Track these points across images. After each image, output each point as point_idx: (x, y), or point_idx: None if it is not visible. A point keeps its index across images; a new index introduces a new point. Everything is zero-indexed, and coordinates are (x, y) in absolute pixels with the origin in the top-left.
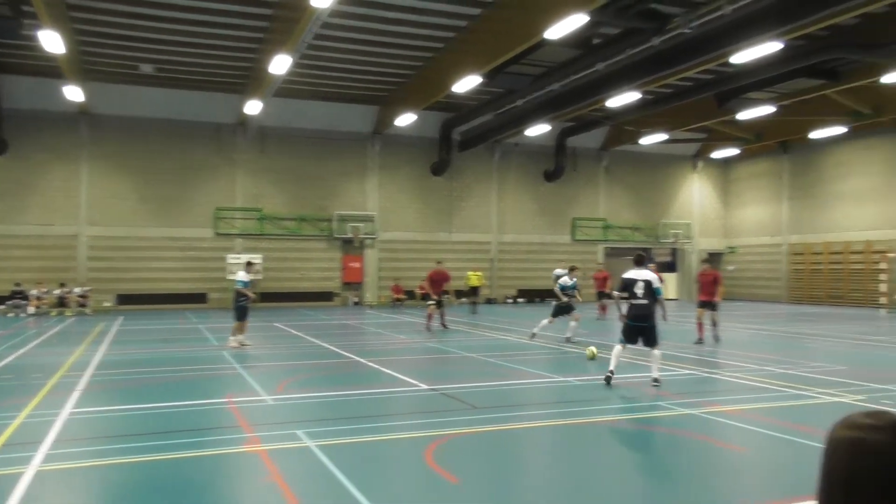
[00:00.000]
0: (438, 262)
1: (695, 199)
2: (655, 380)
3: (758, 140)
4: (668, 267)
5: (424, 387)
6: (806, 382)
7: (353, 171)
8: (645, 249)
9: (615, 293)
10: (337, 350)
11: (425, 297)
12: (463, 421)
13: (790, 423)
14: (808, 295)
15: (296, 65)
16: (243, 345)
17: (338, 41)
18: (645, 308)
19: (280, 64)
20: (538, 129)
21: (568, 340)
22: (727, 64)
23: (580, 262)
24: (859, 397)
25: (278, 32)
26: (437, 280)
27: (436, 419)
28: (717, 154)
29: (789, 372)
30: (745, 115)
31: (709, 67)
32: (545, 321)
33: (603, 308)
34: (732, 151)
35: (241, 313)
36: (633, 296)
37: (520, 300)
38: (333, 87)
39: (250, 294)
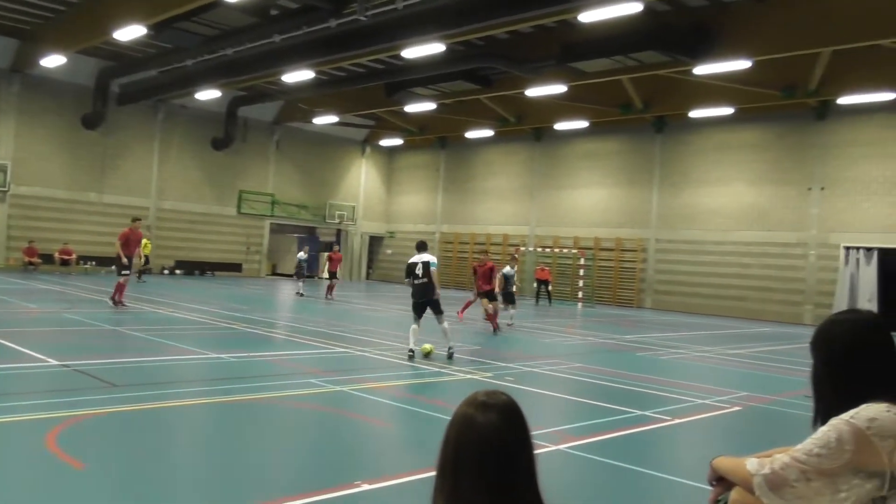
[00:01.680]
0: (135, 220)
1: (361, 182)
2: (450, 349)
3: (420, 133)
4: (332, 247)
5: (54, 362)
6: (445, 361)
7: None
8: (314, 237)
9: (406, 279)
10: None
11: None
12: (97, 400)
13: (427, 398)
14: (454, 280)
15: None
16: None
17: None
18: (426, 286)
19: None
20: (208, 94)
21: (508, 325)
22: (398, 57)
23: (245, 237)
24: (488, 374)
25: None
26: (133, 242)
27: (64, 399)
28: (384, 142)
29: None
30: (410, 108)
31: (380, 57)
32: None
33: (330, 288)
34: (397, 141)
35: None
36: (416, 276)
37: (178, 272)
38: None
39: None
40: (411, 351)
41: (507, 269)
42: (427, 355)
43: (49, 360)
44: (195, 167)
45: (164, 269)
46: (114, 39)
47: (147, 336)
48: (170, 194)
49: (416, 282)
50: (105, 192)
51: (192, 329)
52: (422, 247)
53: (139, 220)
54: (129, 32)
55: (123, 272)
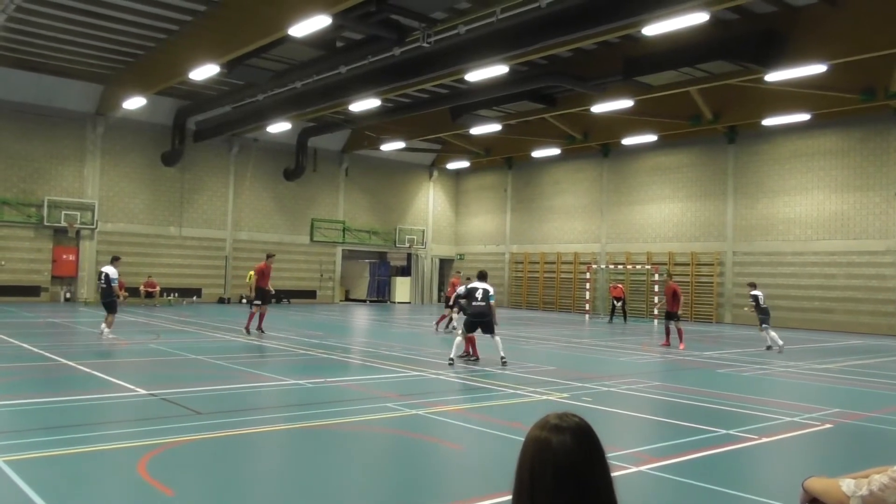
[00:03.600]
0: (269, 256)
1: (429, 206)
2: (503, 358)
3: (486, 154)
4: (403, 271)
5: (142, 392)
6: (520, 382)
7: (69, 153)
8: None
9: (461, 301)
10: (39, 351)
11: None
12: (184, 428)
13: (503, 420)
14: (525, 300)
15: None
16: None
17: (51, 6)
18: (484, 309)
19: None
20: (279, 127)
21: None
22: (461, 80)
23: (318, 264)
24: (564, 395)
25: None
26: (266, 275)
27: (153, 427)
28: (451, 165)
29: (506, 372)
30: (476, 130)
31: (444, 82)
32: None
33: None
34: (464, 164)
35: None
36: (475, 300)
37: (256, 302)
38: (46, 58)
39: None
40: (451, 360)
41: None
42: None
43: (138, 389)
44: (268, 198)
45: (242, 298)
46: (189, 79)
47: (228, 364)
48: (245, 225)
49: (474, 303)
50: (184, 226)
51: (269, 356)
52: (483, 276)
53: (273, 255)
54: (203, 72)
55: (256, 302)
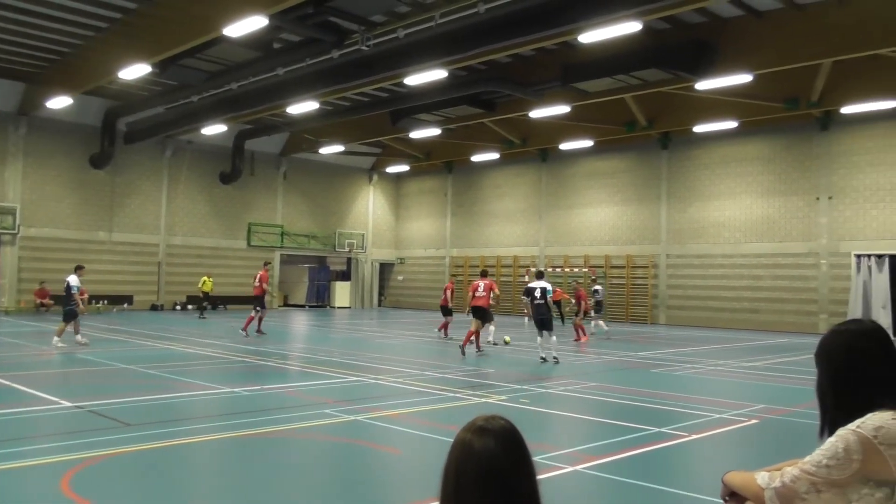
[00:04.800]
0: (266, 264)
1: (369, 210)
2: (555, 358)
3: (427, 158)
4: (343, 276)
5: (67, 404)
6: (459, 385)
7: None
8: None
9: (523, 297)
10: None
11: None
12: (111, 441)
13: (442, 423)
14: (467, 304)
15: None
16: None
17: None
18: (543, 307)
19: None
20: (214, 129)
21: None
22: (401, 84)
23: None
24: (503, 397)
25: None
26: (264, 281)
27: (78, 441)
28: (391, 169)
29: (446, 376)
30: (415, 134)
31: (384, 86)
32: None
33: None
34: (404, 167)
35: None
36: (535, 298)
37: (189, 307)
38: None
39: None
40: (543, 357)
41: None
42: (507, 343)
43: (62, 401)
44: (204, 202)
45: (175, 304)
46: (119, 79)
47: (160, 373)
48: (179, 230)
49: (535, 303)
50: (115, 231)
51: (204, 364)
52: (540, 275)
53: (269, 263)
54: (134, 71)
55: (257, 308)
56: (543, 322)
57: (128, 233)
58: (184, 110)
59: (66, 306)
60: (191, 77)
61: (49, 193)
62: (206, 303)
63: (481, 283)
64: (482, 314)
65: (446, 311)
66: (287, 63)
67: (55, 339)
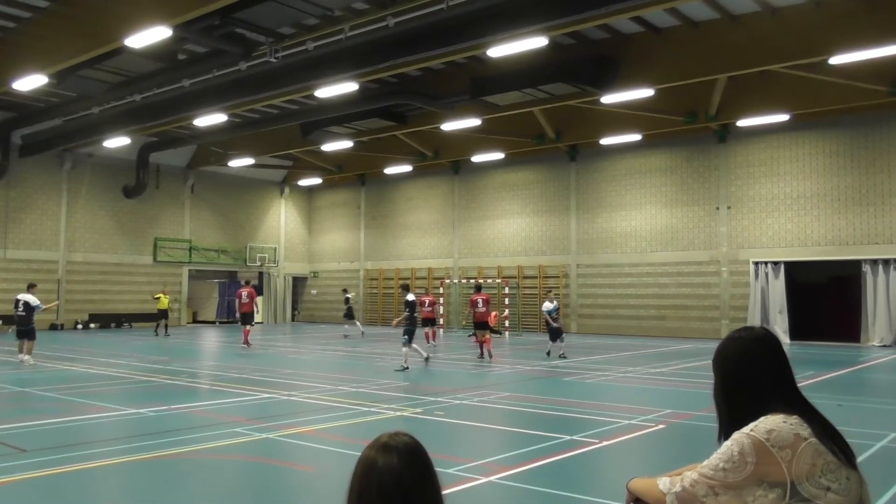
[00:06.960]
0: (247, 283)
1: (281, 223)
2: (561, 355)
3: (339, 171)
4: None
5: None
6: (374, 399)
7: None
8: (234, 277)
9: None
10: None
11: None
12: (5, 468)
13: (356, 439)
14: (381, 317)
15: None
16: None
17: None
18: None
19: None
20: (117, 142)
21: (561, 357)
22: (311, 97)
23: (163, 286)
24: (418, 410)
25: None
26: (252, 297)
27: None
28: (303, 182)
29: (361, 390)
30: (327, 147)
31: (294, 98)
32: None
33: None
34: (316, 180)
35: None
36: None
37: (92, 325)
38: None
39: None
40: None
41: (546, 304)
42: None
43: None
44: (106, 216)
45: (77, 323)
46: (13, 90)
47: (60, 395)
48: (80, 246)
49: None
50: (9, 248)
51: (108, 385)
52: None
53: (249, 281)
54: (29, 82)
55: (248, 325)
56: (555, 332)
57: (24, 249)
58: (84, 122)
59: (26, 325)
60: (91, 88)
61: None
62: (164, 320)
63: (479, 299)
64: (485, 328)
65: (429, 323)
66: (193, 74)
67: (26, 357)
